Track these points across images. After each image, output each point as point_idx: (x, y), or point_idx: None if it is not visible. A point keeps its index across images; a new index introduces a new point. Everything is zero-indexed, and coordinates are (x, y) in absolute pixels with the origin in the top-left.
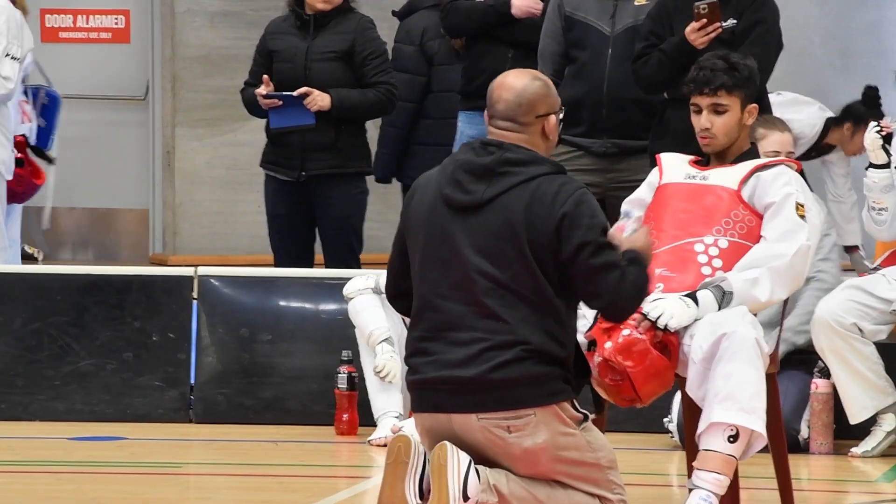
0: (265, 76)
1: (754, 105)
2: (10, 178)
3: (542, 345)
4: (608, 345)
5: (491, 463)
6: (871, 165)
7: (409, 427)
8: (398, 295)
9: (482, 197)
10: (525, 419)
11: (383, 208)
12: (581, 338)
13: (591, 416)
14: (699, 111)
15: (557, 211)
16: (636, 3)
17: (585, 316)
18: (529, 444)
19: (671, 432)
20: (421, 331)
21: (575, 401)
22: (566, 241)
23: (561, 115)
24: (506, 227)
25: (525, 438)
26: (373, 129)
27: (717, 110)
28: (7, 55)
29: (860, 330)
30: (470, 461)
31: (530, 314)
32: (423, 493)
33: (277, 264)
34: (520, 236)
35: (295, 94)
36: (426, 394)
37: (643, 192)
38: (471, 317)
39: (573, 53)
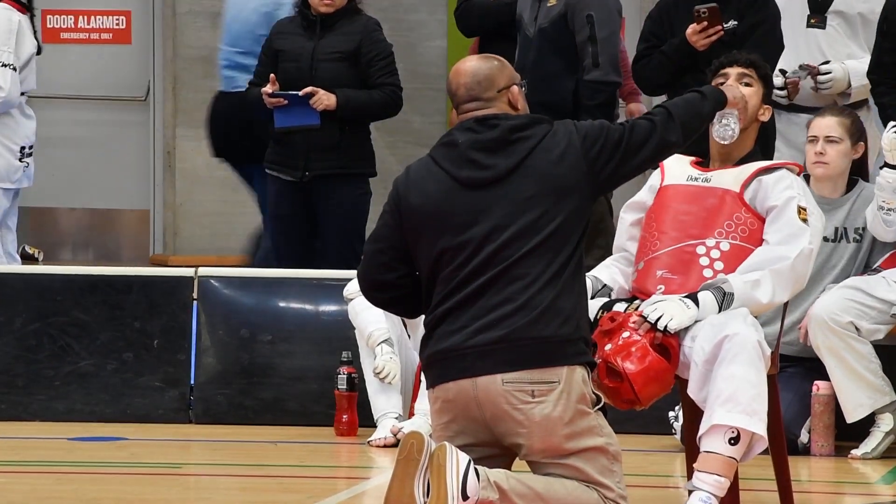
0: (272, 75)
1: (768, 107)
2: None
3: (569, 306)
4: (608, 347)
5: (505, 442)
6: (886, 165)
7: (411, 426)
8: (377, 285)
9: (506, 167)
10: (550, 384)
11: None
12: None
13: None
14: (725, 80)
15: (577, 148)
16: (549, 4)
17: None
18: (549, 411)
19: (675, 429)
20: (446, 307)
21: (591, 381)
22: (601, 154)
23: (524, 89)
24: (541, 186)
25: (547, 405)
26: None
27: (746, 81)
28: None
29: (857, 329)
30: (469, 461)
31: (559, 277)
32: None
33: (279, 265)
34: (559, 189)
35: (301, 93)
36: (451, 362)
37: (644, 195)
38: (500, 284)
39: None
